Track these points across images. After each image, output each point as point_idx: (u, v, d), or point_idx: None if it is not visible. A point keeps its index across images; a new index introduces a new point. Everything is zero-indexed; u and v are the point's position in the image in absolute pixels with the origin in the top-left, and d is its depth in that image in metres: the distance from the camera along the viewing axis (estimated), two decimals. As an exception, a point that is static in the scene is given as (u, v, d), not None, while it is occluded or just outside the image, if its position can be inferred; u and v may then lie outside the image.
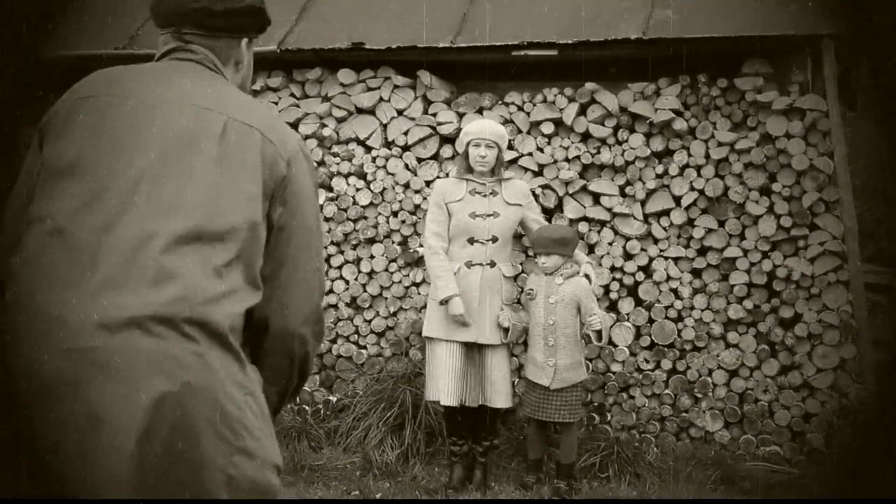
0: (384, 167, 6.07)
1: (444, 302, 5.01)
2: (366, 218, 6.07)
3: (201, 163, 1.89)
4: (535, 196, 5.83)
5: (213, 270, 1.82)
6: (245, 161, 1.92)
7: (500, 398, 5.10)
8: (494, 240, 5.10)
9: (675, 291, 5.72)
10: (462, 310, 4.97)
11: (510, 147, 5.91)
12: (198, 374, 1.76)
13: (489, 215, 5.10)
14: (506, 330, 5.07)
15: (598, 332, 5.05)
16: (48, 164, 1.92)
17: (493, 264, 5.10)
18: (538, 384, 5.12)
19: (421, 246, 5.14)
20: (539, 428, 5.29)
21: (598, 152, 5.81)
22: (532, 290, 5.18)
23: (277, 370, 2.06)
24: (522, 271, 5.67)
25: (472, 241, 5.09)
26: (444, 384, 5.04)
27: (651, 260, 5.76)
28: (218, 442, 1.79)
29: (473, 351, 5.09)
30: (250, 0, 2.14)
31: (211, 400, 1.78)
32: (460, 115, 6.00)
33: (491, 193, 5.15)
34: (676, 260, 5.74)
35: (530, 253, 5.67)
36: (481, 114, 5.97)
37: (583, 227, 5.80)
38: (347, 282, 6.08)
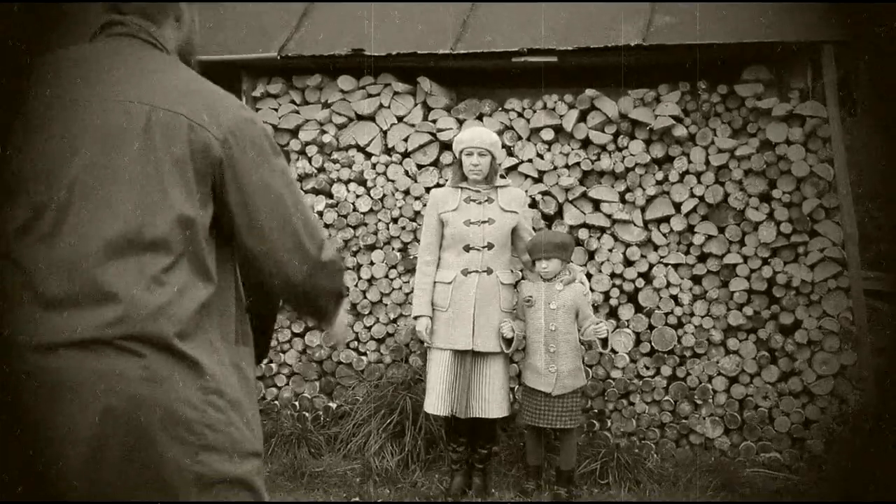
0: (384, 174, 6.07)
1: (416, 318, 5.17)
2: (366, 224, 6.07)
3: (126, 164, 1.84)
4: (535, 203, 5.84)
5: (151, 280, 1.81)
6: (173, 154, 1.85)
7: (495, 407, 5.09)
8: (490, 246, 5.11)
9: (675, 298, 5.72)
10: (423, 329, 5.11)
11: (510, 154, 5.92)
12: (143, 386, 1.78)
13: (484, 222, 5.11)
14: (508, 341, 5.08)
15: (605, 340, 5.07)
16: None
17: (489, 271, 5.11)
18: (539, 391, 5.12)
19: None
20: (538, 434, 5.29)
21: (598, 159, 5.81)
22: (531, 297, 5.18)
23: (309, 313, 2.20)
24: (523, 277, 5.67)
25: (467, 248, 5.10)
26: (435, 394, 5.10)
27: (651, 266, 5.76)
28: (176, 445, 1.81)
29: (468, 359, 5.09)
30: None
31: (162, 408, 1.79)
32: (460, 122, 6.01)
33: (486, 200, 5.16)
34: (676, 266, 5.74)
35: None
36: (481, 120, 5.97)
37: (583, 233, 5.81)
38: (347, 288, 6.08)
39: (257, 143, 1.96)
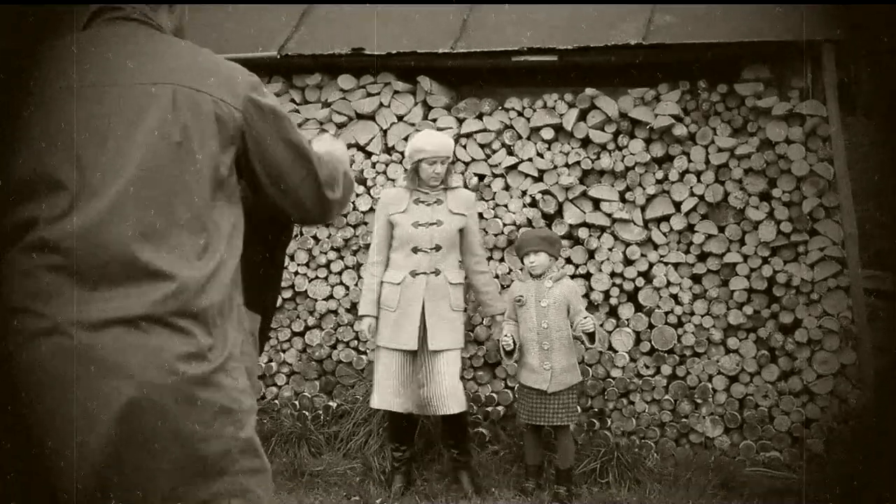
0: (384, 173, 6.07)
1: (360, 317, 5.27)
2: (366, 223, 6.07)
3: (157, 144, 1.87)
4: (535, 202, 5.85)
5: (195, 256, 1.87)
6: (202, 130, 1.91)
7: (453, 403, 5.14)
8: (438, 248, 5.17)
9: (675, 297, 5.71)
10: (366, 329, 5.22)
11: (510, 153, 5.92)
12: (188, 364, 1.82)
13: (432, 224, 5.16)
14: (510, 352, 5.16)
15: (591, 335, 5.08)
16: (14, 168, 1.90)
17: (437, 272, 5.17)
18: (535, 389, 5.13)
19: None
20: (536, 433, 5.30)
21: (598, 158, 5.81)
22: (522, 296, 5.20)
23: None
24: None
25: (416, 250, 5.16)
26: (384, 392, 5.15)
27: (651, 265, 5.76)
28: (209, 416, 1.85)
29: (420, 358, 5.14)
30: None
31: (202, 382, 1.84)
32: (460, 121, 6.01)
33: (435, 202, 5.21)
34: (676, 265, 5.74)
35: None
36: (481, 119, 5.97)
37: (583, 232, 5.81)
38: (347, 287, 6.08)
39: (270, 107, 2.04)
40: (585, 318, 5.12)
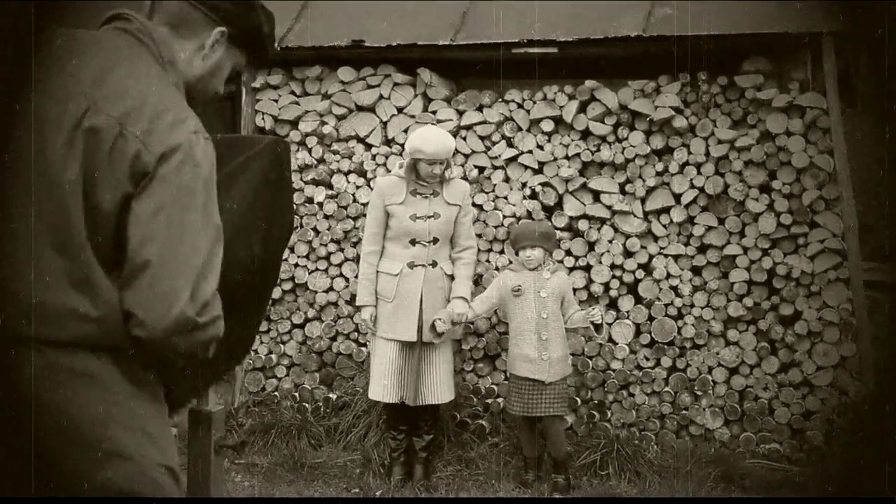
0: (384, 165, 6.07)
1: (360, 307, 5.28)
2: (365, 216, 6.05)
3: (52, 161, 1.81)
4: (535, 194, 5.84)
5: (78, 286, 1.82)
6: (95, 159, 1.82)
7: (445, 391, 5.23)
8: (435, 241, 5.20)
9: (675, 289, 5.71)
10: (368, 318, 5.21)
11: (510, 144, 5.92)
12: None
13: (430, 217, 5.16)
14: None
15: (598, 326, 5.12)
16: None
17: (434, 264, 5.19)
18: (528, 379, 5.14)
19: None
20: (531, 425, 5.31)
21: (598, 150, 5.80)
22: (519, 286, 5.21)
23: (161, 376, 2.10)
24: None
25: (413, 242, 5.17)
26: (383, 382, 5.17)
27: (651, 257, 5.75)
28: None
29: (415, 348, 5.16)
30: None
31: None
32: (460, 113, 6.00)
33: (432, 194, 5.21)
34: (676, 257, 5.74)
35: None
36: (481, 111, 5.96)
37: (583, 224, 5.80)
38: (347, 279, 6.08)
39: (187, 170, 1.85)
40: (594, 308, 5.14)
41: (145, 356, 1.88)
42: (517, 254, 5.30)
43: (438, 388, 5.19)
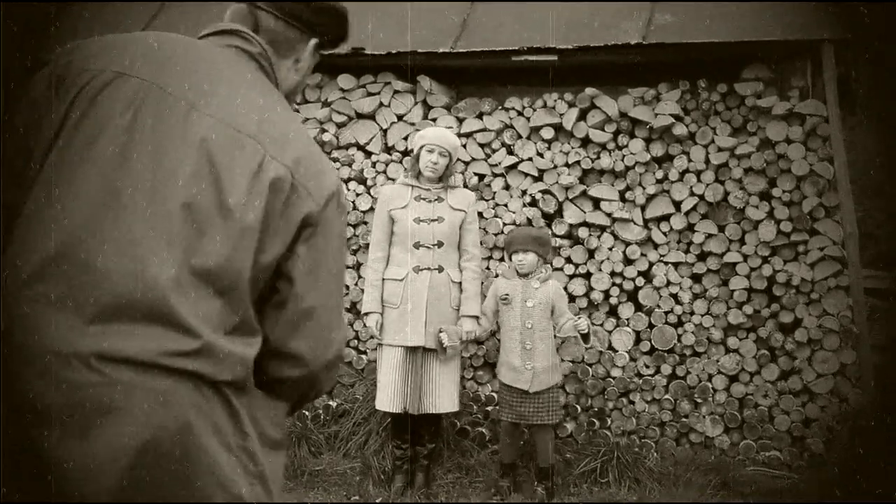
0: (384, 172, 6.07)
1: (366, 314, 5.25)
2: (366, 223, 6.07)
3: (233, 204, 1.68)
4: (535, 201, 5.85)
5: (225, 323, 1.72)
6: (274, 207, 1.73)
7: (447, 402, 5.19)
8: (440, 244, 5.18)
9: (675, 296, 5.71)
10: (374, 325, 5.17)
11: (510, 152, 5.92)
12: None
13: (434, 220, 5.17)
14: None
15: (586, 335, 5.07)
16: (67, 139, 1.69)
17: (441, 269, 5.18)
18: (515, 388, 5.13)
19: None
20: (513, 431, 5.29)
21: (598, 157, 5.81)
22: (507, 294, 5.21)
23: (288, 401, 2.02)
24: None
25: (417, 245, 5.17)
26: (387, 391, 5.16)
27: (651, 265, 5.76)
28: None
29: (419, 355, 5.15)
30: (341, 7, 2.01)
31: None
32: (460, 121, 6.01)
33: (436, 199, 5.22)
34: (676, 265, 5.74)
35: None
36: (481, 119, 5.97)
37: (583, 232, 5.80)
38: (347, 287, 6.08)
39: (340, 216, 1.85)
40: (580, 318, 5.12)
41: (287, 392, 1.88)
42: (510, 258, 5.31)
43: (440, 398, 5.17)
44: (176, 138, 1.69)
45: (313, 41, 2.00)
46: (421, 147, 5.21)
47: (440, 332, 5.09)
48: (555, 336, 5.23)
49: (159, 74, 1.74)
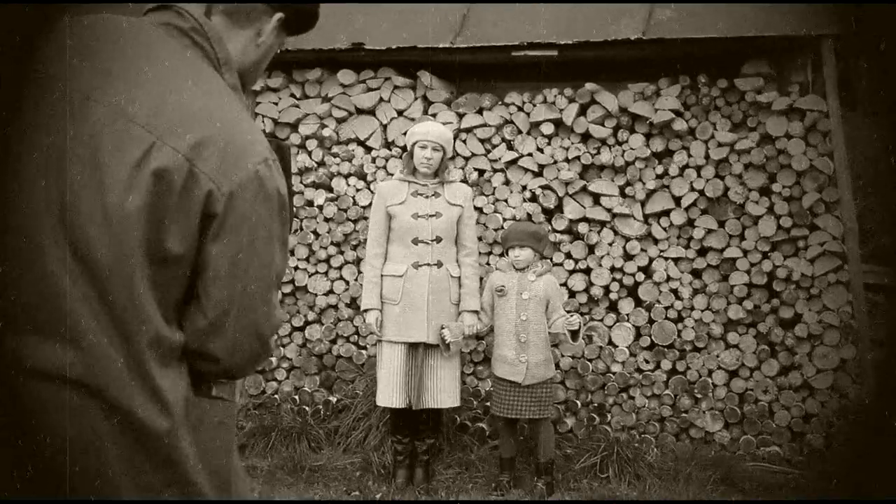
0: (384, 167, 6.07)
1: (365, 311, 5.23)
2: (366, 218, 6.05)
3: (111, 202, 1.58)
4: (535, 197, 5.85)
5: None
6: (163, 202, 1.61)
7: (447, 397, 5.19)
8: (438, 240, 5.18)
9: (675, 292, 5.72)
10: (373, 322, 5.17)
11: (510, 147, 5.92)
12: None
13: (431, 215, 5.17)
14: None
15: (575, 332, 5.06)
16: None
17: (440, 264, 5.18)
18: (509, 381, 5.13)
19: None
20: (510, 426, 5.30)
21: (598, 153, 5.81)
22: (503, 286, 5.21)
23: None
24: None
25: (416, 241, 5.17)
26: (389, 387, 5.16)
27: (651, 260, 5.76)
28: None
29: (420, 351, 5.15)
30: None
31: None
32: (460, 116, 6.00)
33: (433, 195, 5.22)
34: (676, 260, 5.74)
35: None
36: (481, 114, 5.97)
37: (583, 227, 5.81)
38: (347, 282, 6.08)
39: (264, 203, 1.70)
40: (572, 315, 5.11)
41: (213, 378, 1.80)
42: (507, 253, 5.30)
43: (441, 394, 5.17)
44: (66, 134, 1.60)
45: (278, 15, 1.89)
46: (414, 144, 5.21)
47: (442, 328, 5.09)
48: (552, 333, 5.24)
49: (74, 69, 1.65)
